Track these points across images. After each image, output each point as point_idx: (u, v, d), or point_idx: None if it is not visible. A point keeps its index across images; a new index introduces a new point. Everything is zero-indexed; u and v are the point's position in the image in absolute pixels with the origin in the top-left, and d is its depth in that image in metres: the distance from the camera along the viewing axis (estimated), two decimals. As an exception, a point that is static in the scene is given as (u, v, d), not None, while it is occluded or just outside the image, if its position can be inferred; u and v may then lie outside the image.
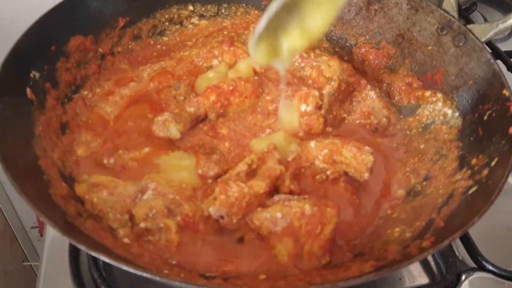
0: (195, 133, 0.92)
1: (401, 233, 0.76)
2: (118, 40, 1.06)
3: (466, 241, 0.84)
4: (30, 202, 0.63)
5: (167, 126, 0.88)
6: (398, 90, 1.03)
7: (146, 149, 0.87)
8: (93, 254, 0.60)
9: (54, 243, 0.84)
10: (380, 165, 0.91)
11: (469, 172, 0.80)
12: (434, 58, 0.98)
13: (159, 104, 0.96)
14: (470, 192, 0.75)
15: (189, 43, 1.13)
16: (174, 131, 0.87)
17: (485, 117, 0.84)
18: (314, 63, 1.01)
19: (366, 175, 0.85)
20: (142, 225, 0.74)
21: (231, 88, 0.94)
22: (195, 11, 1.17)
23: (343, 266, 0.71)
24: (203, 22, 1.18)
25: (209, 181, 0.83)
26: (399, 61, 1.06)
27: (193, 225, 0.76)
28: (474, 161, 0.80)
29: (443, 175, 0.84)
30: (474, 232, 0.83)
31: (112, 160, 0.84)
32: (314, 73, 1.00)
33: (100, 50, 1.02)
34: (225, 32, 1.15)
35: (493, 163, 0.76)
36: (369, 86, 0.99)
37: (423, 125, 0.96)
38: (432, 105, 0.96)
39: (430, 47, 1.00)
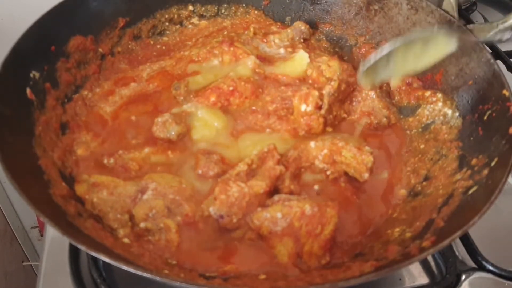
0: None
1: (401, 233, 0.76)
2: (118, 40, 1.06)
3: (466, 241, 0.84)
4: (30, 202, 0.63)
5: (167, 127, 0.88)
6: (398, 90, 1.03)
7: (146, 149, 0.87)
8: (93, 254, 0.60)
9: (54, 243, 0.84)
10: (382, 165, 0.91)
11: (469, 172, 0.80)
12: (434, 58, 0.98)
13: (159, 105, 0.96)
14: (470, 192, 0.75)
15: (189, 43, 1.13)
16: (173, 132, 0.88)
17: (485, 117, 0.84)
18: (314, 63, 1.01)
19: (366, 175, 0.85)
20: (142, 225, 0.74)
21: (231, 88, 0.94)
22: (195, 11, 1.17)
23: (343, 266, 0.71)
24: (203, 22, 1.18)
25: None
26: (399, 61, 1.06)
27: (193, 225, 0.76)
28: (474, 161, 0.80)
29: (443, 175, 0.84)
30: (474, 232, 0.83)
31: (112, 160, 0.84)
32: (314, 73, 1.00)
33: (100, 50, 1.02)
34: (225, 32, 1.15)
35: (493, 163, 0.76)
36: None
37: (423, 125, 0.96)
38: (432, 105, 0.96)
39: (430, 47, 1.00)
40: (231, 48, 1.04)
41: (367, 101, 0.98)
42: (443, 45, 0.77)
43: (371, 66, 0.78)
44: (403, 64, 0.79)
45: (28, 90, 0.83)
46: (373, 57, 0.77)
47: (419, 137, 0.95)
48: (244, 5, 1.19)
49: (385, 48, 0.76)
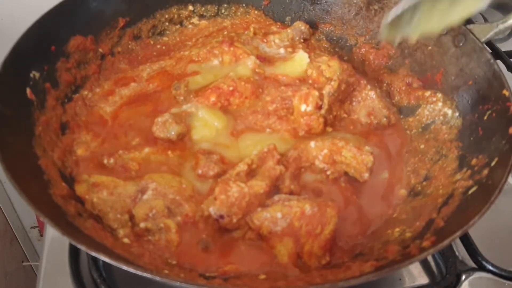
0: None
1: (401, 233, 0.76)
2: (118, 40, 1.06)
3: (466, 241, 0.84)
4: (30, 202, 0.63)
5: (167, 127, 0.88)
6: (398, 90, 1.03)
7: (146, 149, 0.87)
8: (93, 254, 0.60)
9: (54, 243, 0.84)
10: (382, 165, 0.91)
11: (469, 172, 0.80)
12: (434, 58, 0.98)
13: (159, 105, 0.96)
14: (470, 192, 0.75)
15: (189, 43, 1.14)
16: (173, 132, 0.88)
17: (485, 117, 0.84)
18: (314, 63, 1.01)
19: (366, 175, 0.85)
20: (142, 225, 0.74)
21: (231, 88, 0.94)
22: (195, 11, 1.17)
23: (343, 266, 0.71)
24: (203, 22, 1.18)
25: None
26: (399, 61, 1.06)
27: (193, 225, 0.76)
28: (474, 161, 0.80)
29: (443, 175, 0.84)
30: (474, 232, 0.83)
31: (112, 160, 0.84)
32: (314, 73, 1.00)
33: (100, 50, 1.02)
34: (225, 32, 1.15)
35: (493, 163, 0.76)
36: (369, 86, 0.99)
37: (423, 125, 0.96)
38: (432, 105, 0.96)
39: (430, 47, 1.00)
40: (231, 48, 1.04)
41: (367, 101, 0.98)
42: (472, 1, 0.72)
43: (394, 19, 0.73)
44: (427, 19, 0.74)
45: (28, 90, 0.83)
46: (400, 7, 0.73)
47: (419, 137, 0.95)
48: (244, 5, 1.19)
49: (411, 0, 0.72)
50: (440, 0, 0.72)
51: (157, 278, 0.58)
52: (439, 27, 0.76)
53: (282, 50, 1.09)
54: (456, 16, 0.74)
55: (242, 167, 0.80)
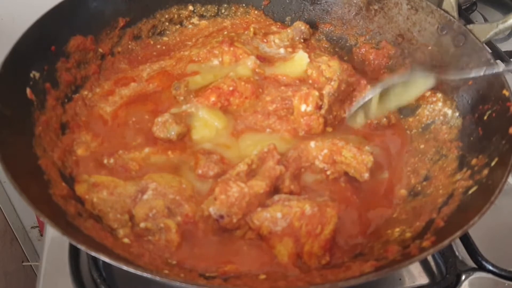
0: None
1: (401, 233, 0.76)
2: (118, 40, 1.06)
3: (466, 241, 0.84)
4: (30, 202, 0.63)
5: (167, 127, 0.88)
6: (398, 90, 1.03)
7: (146, 149, 0.87)
8: (93, 254, 0.60)
9: (54, 243, 0.84)
10: (382, 165, 0.91)
11: (469, 172, 0.80)
12: (434, 58, 0.98)
13: (159, 105, 0.96)
14: (470, 192, 0.75)
15: (189, 43, 1.14)
16: (173, 132, 0.88)
17: (485, 117, 0.84)
18: (314, 63, 1.01)
19: (366, 175, 0.85)
20: (142, 225, 0.74)
21: (231, 88, 0.94)
22: (195, 11, 1.17)
23: (343, 266, 0.71)
24: (203, 22, 1.18)
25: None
26: (399, 61, 1.06)
27: (193, 225, 0.76)
28: (474, 161, 0.80)
29: (443, 175, 0.84)
30: (474, 232, 0.83)
31: (112, 160, 0.84)
32: (314, 73, 1.00)
33: (100, 50, 1.02)
34: (225, 32, 1.15)
35: (493, 163, 0.76)
36: (369, 86, 0.98)
37: (423, 125, 0.96)
38: (432, 105, 0.96)
39: (430, 47, 1.00)
40: (231, 48, 1.04)
41: (367, 101, 0.98)
42: (421, 84, 0.85)
43: (355, 111, 0.87)
44: (385, 104, 0.86)
45: (28, 90, 0.83)
46: (355, 105, 0.86)
47: (419, 137, 0.95)
48: (244, 5, 1.19)
49: (367, 96, 0.84)
50: (392, 89, 0.84)
51: (157, 278, 0.58)
52: (399, 105, 0.90)
53: (282, 50, 1.09)
54: (410, 96, 0.87)
55: (242, 167, 0.80)
